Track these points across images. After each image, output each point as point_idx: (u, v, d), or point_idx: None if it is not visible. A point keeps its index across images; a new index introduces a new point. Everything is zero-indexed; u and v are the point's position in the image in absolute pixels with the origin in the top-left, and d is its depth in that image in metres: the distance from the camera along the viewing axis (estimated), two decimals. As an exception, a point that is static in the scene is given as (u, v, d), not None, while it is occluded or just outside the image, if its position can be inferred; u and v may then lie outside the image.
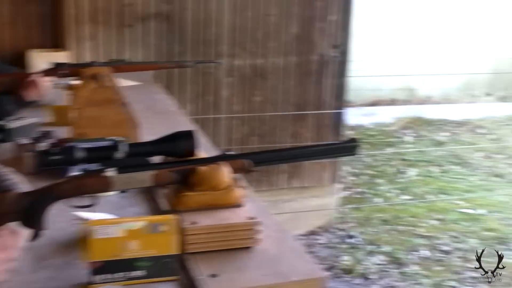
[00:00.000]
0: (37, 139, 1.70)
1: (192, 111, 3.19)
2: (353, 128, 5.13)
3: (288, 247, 1.23)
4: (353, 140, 1.32)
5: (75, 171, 1.22)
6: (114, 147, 1.24)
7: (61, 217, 1.22)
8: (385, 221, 3.87)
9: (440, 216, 3.95)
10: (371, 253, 3.50)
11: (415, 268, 3.35)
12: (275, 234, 1.25)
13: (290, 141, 3.47)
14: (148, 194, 1.42)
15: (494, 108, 6.14)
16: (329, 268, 3.32)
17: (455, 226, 3.83)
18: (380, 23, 6.07)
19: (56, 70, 1.96)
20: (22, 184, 1.16)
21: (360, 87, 5.12)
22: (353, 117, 4.73)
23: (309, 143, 3.42)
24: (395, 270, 3.33)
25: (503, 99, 6.45)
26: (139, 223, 1.07)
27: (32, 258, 1.15)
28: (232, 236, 1.18)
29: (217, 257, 1.16)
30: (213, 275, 1.09)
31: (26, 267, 1.12)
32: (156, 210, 1.35)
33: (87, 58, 2.90)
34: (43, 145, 1.56)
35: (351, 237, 3.67)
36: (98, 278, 1.06)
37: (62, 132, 1.75)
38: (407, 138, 5.44)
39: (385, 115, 5.85)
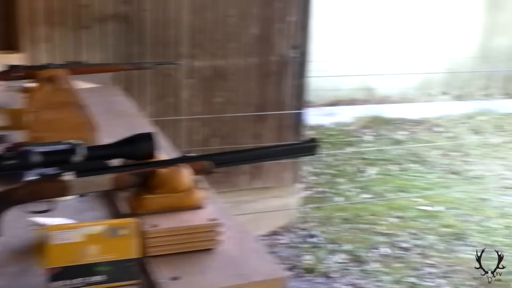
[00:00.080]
0: (-8, 144, 1.66)
1: (152, 113, 3.16)
2: (313, 128, 5.17)
3: (250, 248, 1.23)
4: (313, 140, 1.33)
5: (31, 176, 1.19)
6: (71, 150, 1.22)
7: (18, 223, 1.19)
8: (346, 220, 3.91)
9: (399, 214, 4.01)
10: (332, 251, 3.53)
11: (375, 265, 3.40)
12: (236, 235, 1.25)
13: (251, 142, 3.48)
14: (108, 198, 1.40)
15: (450, 107, 6.27)
16: (291, 268, 3.33)
17: (414, 223, 3.90)
18: (339, 23, 6.14)
19: (10, 72, 1.91)
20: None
21: (320, 87, 5.17)
22: (313, 117, 4.76)
23: (269, 144, 3.43)
24: (356, 268, 3.37)
25: (458, 97, 6.60)
26: (98, 227, 1.06)
27: (-13, 266, 1.12)
28: (193, 238, 1.18)
29: (178, 260, 1.15)
30: (175, 278, 1.08)
31: (-19, 275, 1.09)
32: (116, 213, 1.33)
33: (43, 60, 2.84)
34: (-3, 150, 1.52)
35: (312, 236, 3.70)
36: (56, 284, 1.04)
37: (18, 136, 1.71)
38: (366, 137, 5.51)
39: (345, 115, 5.92)
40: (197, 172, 1.24)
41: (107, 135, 1.55)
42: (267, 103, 3.52)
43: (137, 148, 1.27)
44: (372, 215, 3.99)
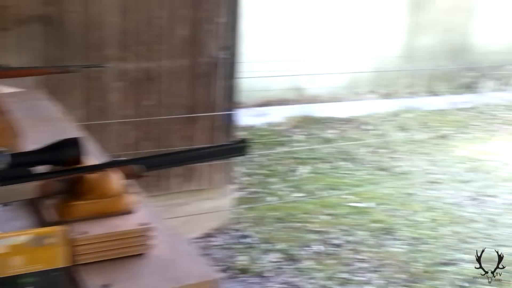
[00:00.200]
0: None
1: (80, 117, 3.08)
2: (245, 128, 5.19)
3: (182, 251, 1.22)
4: (243, 140, 1.34)
5: (-50, 186, 1.14)
6: (-7, 158, 1.17)
7: None
8: (279, 219, 3.95)
9: (331, 211, 4.09)
10: (266, 251, 3.56)
11: (309, 263, 3.46)
12: (168, 239, 1.24)
13: (183, 144, 3.46)
14: (34, 206, 1.35)
15: (377, 105, 6.45)
16: (225, 269, 3.34)
17: (345, 220, 3.98)
18: (269, 24, 6.20)
19: None
20: None
21: (251, 88, 5.20)
22: (245, 118, 4.79)
23: (200, 146, 3.42)
24: (290, 267, 3.41)
25: (385, 96, 6.79)
26: (22, 237, 1.02)
27: None
28: (124, 243, 1.16)
29: (109, 267, 1.13)
30: (105, 286, 1.07)
31: None
32: (42, 222, 1.29)
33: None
34: None
35: (246, 237, 3.72)
36: (-21, 298, 1.00)
37: None
38: (297, 137, 5.58)
39: (276, 115, 5.98)
40: (127, 176, 1.22)
41: (32, 141, 1.50)
42: (198, 104, 3.51)
43: (63, 153, 1.24)
44: (304, 213, 4.05)
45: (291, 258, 3.49)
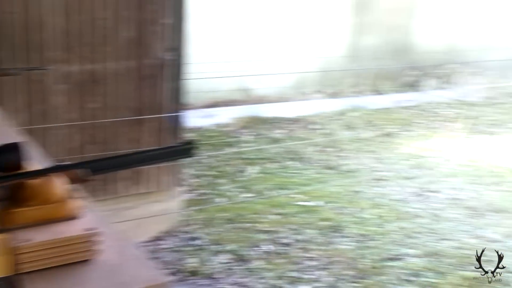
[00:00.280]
0: None
1: (22, 121, 3.00)
2: (193, 130, 5.17)
3: (130, 256, 1.20)
4: (189, 142, 1.33)
5: None
6: None
7: None
8: (228, 220, 3.95)
9: (280, 211, 4.12)
10: (216, 253, 3.56)
11: (259, 263, 3.47)
12: (116, 244, 1.22)
13: (130, 147, 3.41)
14: (-27, 214, 1.31)
15: (324, 104, 6.53)
16: (175, 272, 3.32)
17: (294, 219, 4.02)
18: (215, 25, 6.19)
19: None
20: None
21: (198, 89, 5.18)
22: (193, 119, 4.77)
23: (146, 148, 3.39)
24: (240, 267, 3.42)
25: (331, 95, 6.88)
26: (-38, 246, 0.99)
27: None
28: (69, 250, 1.13)
29: (55, 274, 1.10)
30: (51, 293, 1.04)
31: None
32: (-17, 230, 1.25)
33: None
34: None
35: (195, 239, 3.71)
36: None
37: None
38: (246, 137, 5.60)
39: (224, 116, 5.98)
40: (72, 181, 1.20)
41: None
42: (144, 106, 3.47)
43: (2, 159, 1.20)
44: (254, 213, 4.06)
45: (241, 259, 3.50)
